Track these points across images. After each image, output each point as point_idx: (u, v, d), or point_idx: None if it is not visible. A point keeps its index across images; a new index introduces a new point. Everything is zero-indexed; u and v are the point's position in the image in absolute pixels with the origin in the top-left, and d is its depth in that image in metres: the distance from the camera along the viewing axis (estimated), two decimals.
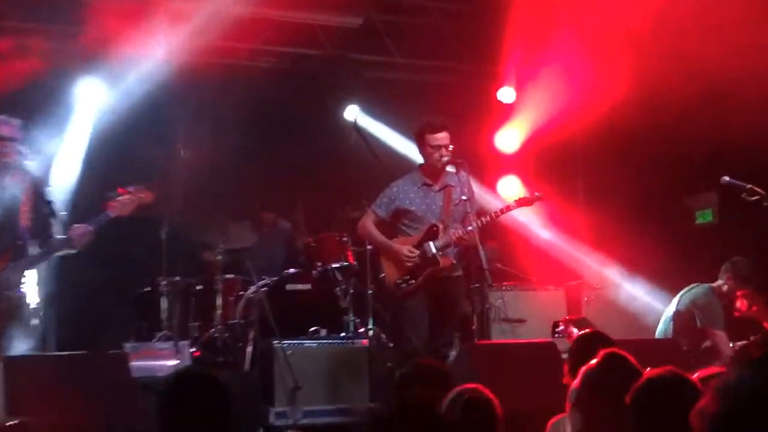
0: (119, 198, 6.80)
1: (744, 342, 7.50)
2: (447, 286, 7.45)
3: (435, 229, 7.46)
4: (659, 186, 10.24)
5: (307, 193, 10.21)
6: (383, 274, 7.48)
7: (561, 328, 8.05)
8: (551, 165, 11.11)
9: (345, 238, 9.07)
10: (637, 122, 9.65)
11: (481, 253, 7.04)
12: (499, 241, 10.67)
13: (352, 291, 8.86)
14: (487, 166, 10.93)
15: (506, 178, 11.30)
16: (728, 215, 9.73)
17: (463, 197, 7.34)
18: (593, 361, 3.91)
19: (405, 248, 7.34)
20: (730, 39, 8.15)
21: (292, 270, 9.27)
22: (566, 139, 10.81)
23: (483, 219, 7.35)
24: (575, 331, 7.67)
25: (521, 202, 7.56)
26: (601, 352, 3.93)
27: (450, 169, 7.48)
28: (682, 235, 10.17)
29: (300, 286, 8.99)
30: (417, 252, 7.30)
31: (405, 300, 7.36)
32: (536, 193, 7.63)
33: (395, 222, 7.58)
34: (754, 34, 8.14)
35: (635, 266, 9.68)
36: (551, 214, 10.55)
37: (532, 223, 10.57)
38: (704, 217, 10.29)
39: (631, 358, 3.92)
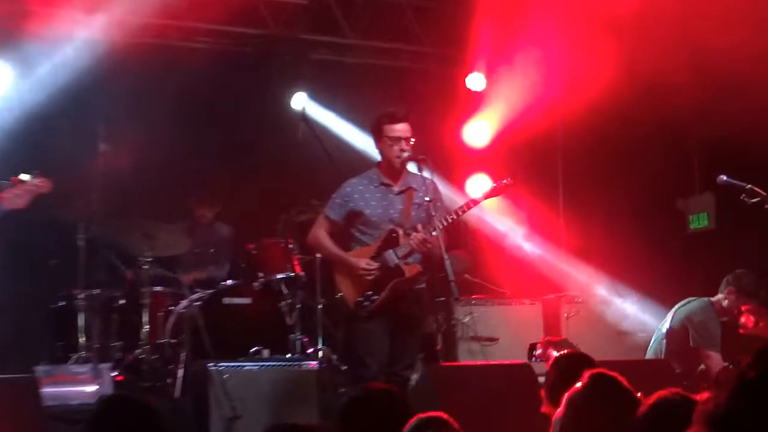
0: (11, 188, 6.68)
1: (731, 362, 7.56)
2: (409, 301, 7.40)
3: (394, 234, 7.38)
4: (649, 187, 10.30)
5: (249, 193, 10.18)
6: (340, 294, 7.40)
7: (539, 351, 8.01)
8: (527, 162, 11.17)
9: (291, 245, 9.03)
10: (624, 115, 9.73)
11: (447, 261, 6.97)
12: (467, 248, 10.78)
13: (299, 306, 8.86)
14: (455, 163, 10.96)
15: (476, 177, 11.28)
16: (726, 219, 9.79)
17: (426, 199, 7.29)
18: (578, 384, 3.89)
19: (362, 261, 7.28)
20: (732, 23, 8.22)
21: (229, 281, 9.26)
22: (544, 133, 10.86)
23: (447, 218, 7.29)
24: (555, 354, 7.58)
25: (489, 194, 7.52)
26: (587, 374, 3.90)
27: (411, 167, 7.43)
28: (675, 242, 10.28)
29: (239, 300, 8.93)
30: (376, 264, 7.25)
31: (364, 320, 7.31)
32: (504, 180, 7.54)
33: (349, 227, 7.52)
34: (763, 17, 8.23)
35: (623, 277, 9.74)
36: (527, 218, 10.74)
37: (505, 227, 10.66)
38: (699, 221, 10.34)
39: (622, 380, 3.90)
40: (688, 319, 8.08)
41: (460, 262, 9.79)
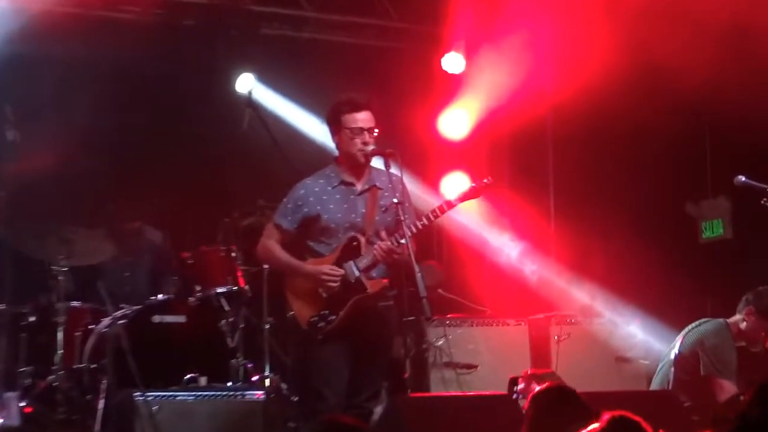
0: None
1: (743, 393, 7.62)
2: (372, 321, 7.37)
3: (355, 243, 7.34)
4: (655, 189, 10.35)
5: (185, 192, 10.14)
6: (291, 312, 7.36)
7: (521, 386, 7.90)
8: (512, 158, 11.29)
9: (234, 254, 9.02)
10: (625, 103, 9.78)
11: (418, 274, 6.93)
12: (441, 258, 10.80)
13: (242, 326, 8.84)
14: (428, 159, 10.96)
15: (452, 175, 11.29)
16: (744, 227, 9.88)
17: (394, 200, 7.25)
18: (594, 426, 3.87)
19: (324, 266, 7.27)
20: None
21: (160, 296, 9.19)
22: (532, 124, 10.88)
23: (417, 223, 7.26)
24: None
25: (466, 195, 7.50)
26: (606, 417, 3.88)
27: (377, 162, 7.42)
28: (685, 253, 10.32)
29: (171, 318, 8.89)
30: (341, 271, 7.25)
31: (320, 344, 7.26)
32: (485, 180, 7.53)
33: (302, 237, 7.48)
34: None
35: (623, 294, 9.75)
36: (512, 223, 10.68)
37: (485, 233, 10.63)
38: (713, 229, 10.39)
39: (648, 428, 3.90)
40: (700, 343, 8.11)
41: (432, 275, 9.83)
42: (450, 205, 7.45)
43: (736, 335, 8.11)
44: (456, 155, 11.39)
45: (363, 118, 7.37)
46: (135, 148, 10.30)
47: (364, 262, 7.30)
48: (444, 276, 10.52)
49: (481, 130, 11.28)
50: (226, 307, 8.88)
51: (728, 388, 7.94)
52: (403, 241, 7.16)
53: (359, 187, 7.45)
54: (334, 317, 7.26)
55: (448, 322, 9.55)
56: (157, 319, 8.89)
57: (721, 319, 8.21)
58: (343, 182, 7.45)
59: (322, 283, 7.25)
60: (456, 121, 11.43)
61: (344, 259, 7.31)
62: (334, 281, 7.24)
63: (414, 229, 7.22)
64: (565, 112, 10.48)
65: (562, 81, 10.13)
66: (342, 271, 7.25)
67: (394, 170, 7.33)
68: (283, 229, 7.46)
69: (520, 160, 11.23)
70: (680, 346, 8.22)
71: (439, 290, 10.03)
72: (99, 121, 9.79)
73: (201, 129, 10.45)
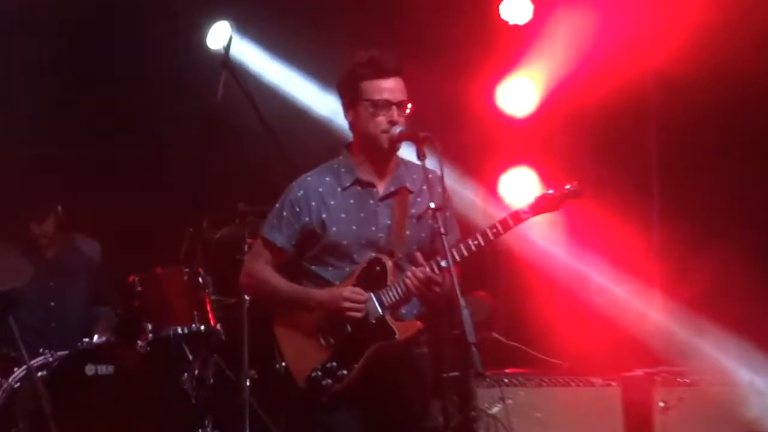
0: None
1: None
2: (400, 378, 7.23)
3: (378, 269, 7.19)
4: None
5: (134, 192, 10.27)
6: (283, 363, 7.28)
7: None
8: (599, 143, 11.08)
9: (202, 278, 9.26)
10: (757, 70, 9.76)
11: (464, 312, 6.62)
12: (496, 289, 10.71)
13: (212, 381, 8.98)
14: (481, 147, 10.96)
15: (516, 171, 11.34)
16: None
17: (432, 204, 7.00)
18: None
19: (345, 290, 7.15)
20: None
21: (96, 338, 9.21)
22: (627, 97, 10.78)
23: (470, 243, 7.08)
24: None
25: (540, 206, 7.28)
26: None
27: (407, 152, 7.24)
28: None
29: (112, 370, 8.99)
30: (366, 295, 7.13)
31: (324, 409, 7.12)
32: (567, 186, 7.31)
33: (301, 257, 7.40)
34: None
35: (763, 342, 9.78)
36: (598, 236, 10.65)
37: (559, 251, 10.77)
38: None
39: None
40: None
41: (480, 310, 9.80)
42: (517, 218, 7.26)
43: None
44: (521, 142, 11.36)
45: (390, 88, 7.22)
46: (65, 127, 10.44)
47: (390, 295, 7.16)
48: (500, 313, 10.50)
49: (555, 104, 11.27)
50: (190, 355, 9.03)
51: None
52: (443, 263, 6.98)
53: (382, 188, 7.33)
54: (344, 372, 7.14)
55: (506, 380, 9.46)
56: (91, 370, 8.97)
57: None
58: (359, 181, 7.31)
59: (341, 313, 7.13)
60: (519, 93, 11.47)
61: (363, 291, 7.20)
62: (358, 309, 7.11)
63: (464, 252, 7.08)
64: (676, 80, 10.50)
65: (671, 35, 10.23)
66: (367, 295, 7.14)
67: (431, 163, 7.15)
68: (276, 249, 7.37)
69: (611, 146, 11.07)
70: None
71: (494, 334, 10.03)
72: (30, 94, 10.13)
73: (158, 102, 10.60)
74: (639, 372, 9.74)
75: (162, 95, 10.47)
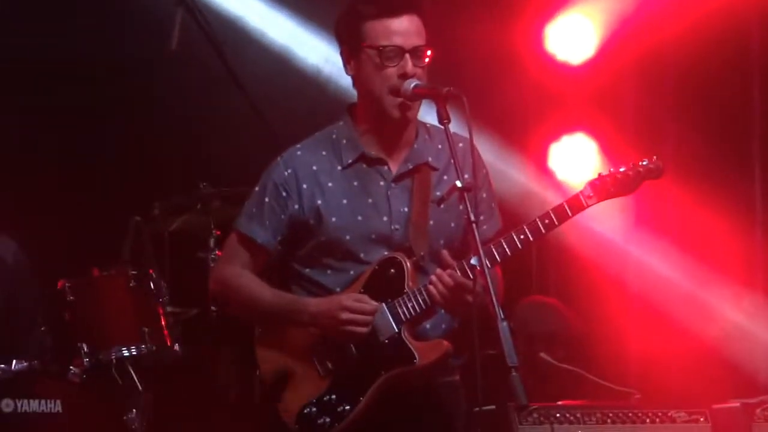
0: None
1: None
2: (421, 415, 6.72)
3: (393, 271, 6.60)
4: None
5: (64, 171, 10.17)
6: (267, 395, 6.95)
7: None
8: (682, 101, 10.53)
9: (154, 282, 8.99)
10: None
11: (503, 326, 6.00)
12: (548, 296, 10.33)
13: None
14: (526, 104, 10.66)
15: (571, 139, 10.90)
16: None
17: (458, 183, 6.30)
18: None
19: (346, 298, 6.58)
20: None
21: (15, 363, 8.62)
22: (720, 34, 10.19)
23: (515, 238, 6.53)
24: None
25: (608, 187, 6.70)
26: None
27: (428, 116, 6.69)
28: None
29: (36, 405, 8.35)
30: (374, 305, 6.56)
31: None
32: (643, 161, 6.72)
33: (292, 259, 6.87)
34: None
35: None
36: (682, 228, 10.27)
37: (630, 248, 10.39)
38: None
39: None
40: None
41: (550, 321, 9.57)
42: (578, 205, 6.67)
43: None
44: (577, 99, 10.83)
45: (402, 29, 6.64)
46: None
47: (408, 306, 6.57)
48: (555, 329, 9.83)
49: (620, 49, 10.73)
50: (139, 384, 8.62)
51: None
52: (473, 262, 6.32)
53: (396, 166, 6.74)
54: (347, 407, 6.63)
55: (558, 414, 8.63)
56: (8, 406, 8.30)
57: None
58: (364, 156, 6.70)
59: (340, 328, 6.55)
60: (574, 37, 11.03)
61: (373, 299, 6.65)
62: (364, 323, 6.52)
63: (507, 249, 6.48)
64: None
65: None
66: (376, 305, 6.58)
67: (459, 129, 6.47)
68: (257, 247, 6.80)
69: (697, 108, 10.41)
70: None
71: (543, 354, 9.42)
72: None
73: (91, 54, 10.30)
74: (734, 403, 8.84)
75: (100, 44, 10.31)
